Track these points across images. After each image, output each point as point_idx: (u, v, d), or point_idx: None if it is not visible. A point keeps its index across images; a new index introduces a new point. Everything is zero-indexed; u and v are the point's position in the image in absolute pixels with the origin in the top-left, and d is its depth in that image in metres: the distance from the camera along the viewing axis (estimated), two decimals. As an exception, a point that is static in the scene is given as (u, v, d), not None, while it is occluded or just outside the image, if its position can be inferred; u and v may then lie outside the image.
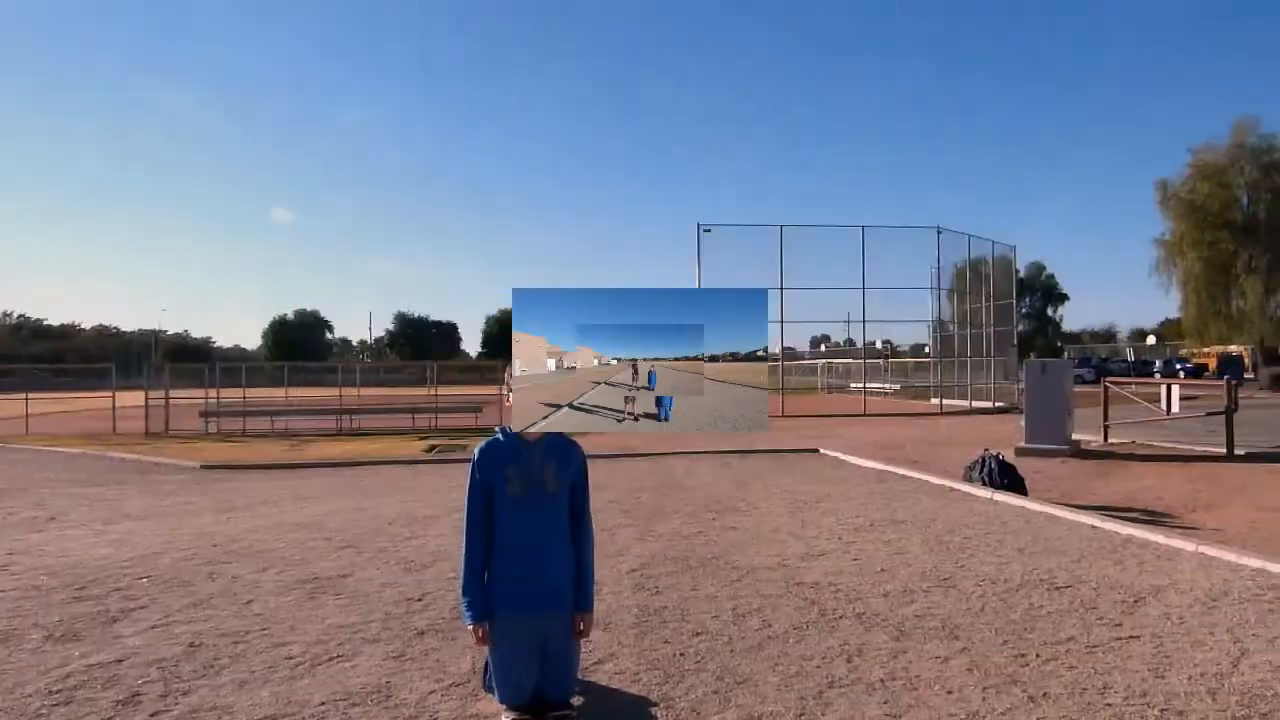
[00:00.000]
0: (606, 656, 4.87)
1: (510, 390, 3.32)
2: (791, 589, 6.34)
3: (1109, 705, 4.07)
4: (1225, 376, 18.31)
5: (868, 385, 34.72)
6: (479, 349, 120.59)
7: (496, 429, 3.48)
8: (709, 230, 28.94)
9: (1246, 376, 46.00)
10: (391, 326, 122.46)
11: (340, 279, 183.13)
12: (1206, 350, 55.80)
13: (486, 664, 3.42)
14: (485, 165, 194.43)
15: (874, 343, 48.51)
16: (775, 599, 6.07)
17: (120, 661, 4.84)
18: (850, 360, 50.58)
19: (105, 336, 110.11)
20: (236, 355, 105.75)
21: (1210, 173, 49.50)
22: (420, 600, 6.14)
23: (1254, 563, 6.80)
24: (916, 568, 6.93)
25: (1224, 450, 14.59)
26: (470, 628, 3.33)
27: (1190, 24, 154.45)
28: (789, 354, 50.04)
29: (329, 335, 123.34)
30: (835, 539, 8.16)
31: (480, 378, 41.87)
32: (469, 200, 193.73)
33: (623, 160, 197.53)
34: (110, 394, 25.54)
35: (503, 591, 3.29)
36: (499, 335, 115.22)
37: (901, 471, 12.86)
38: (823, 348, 72.38)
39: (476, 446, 3.39)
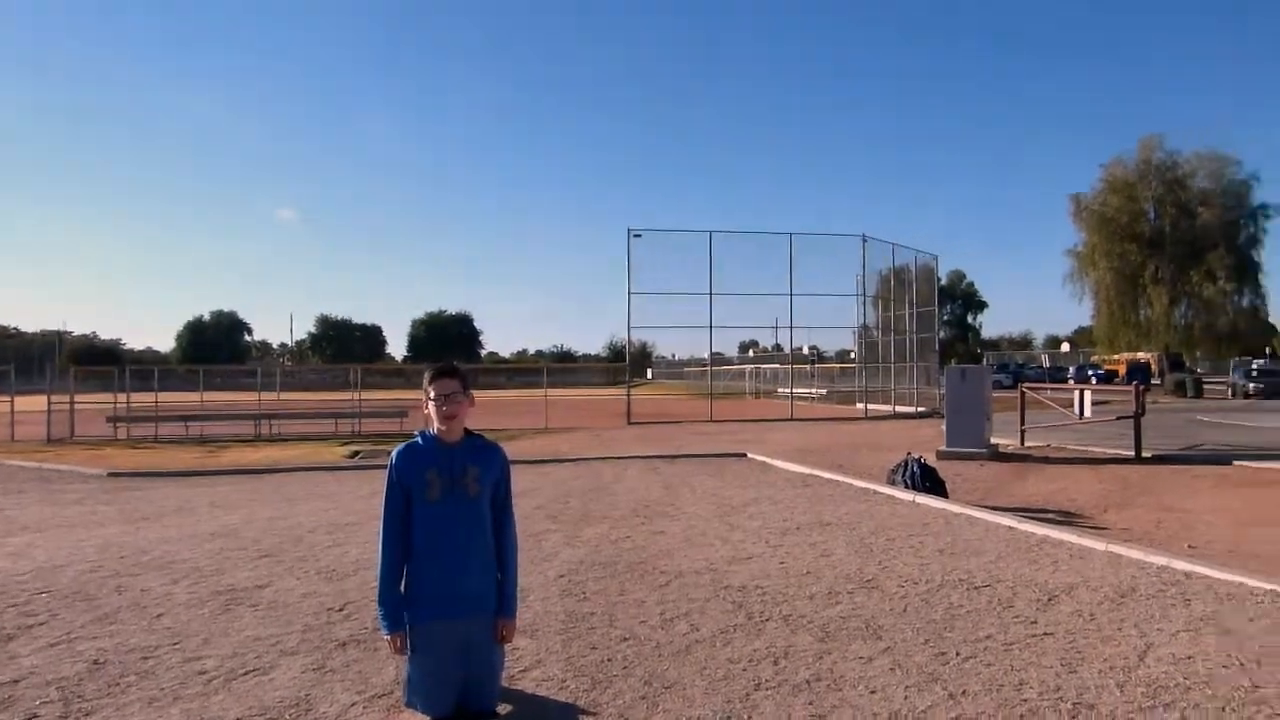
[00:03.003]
0: (533, 664, 4.80)
1: (430, 395, 3.22)
2: (719, 592, 6.34)
3: (1025, 700, 4.15)
4: (1134, 382, 18.98)
5: (795, 390, 35.06)
6: (405, 352, 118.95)
7: (416, 432, 3.39)
8: (639, 235, 28.98)
9: (1153, 382, 47.86)
10: (314, 329, 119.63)
11: (263, 280, 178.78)
12: (1116, 357, 58.00)
13: (407, 675, 3.32)
14: (413, 167, 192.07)
15: (801, 348, 49.18)
16: (703, 603, 6.06)
17: (16, 682, 4.59)
18: (778, 365, 51.14)
19: (4, 338, 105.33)
20: (149, 358, 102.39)
21: (1119, 187, 51.50)
22: (341, 610, 5.97)
23: (1159, 560, 7.04)
24: (841, 570, 7.00)
25: (1132, 453, 15.11)
26: (387, 637, 3.23)
27: (1107, 43, 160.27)
28: (718, 359, 50.45)
29: (248, 338, 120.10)
30: (762, 542, 8.20)
31: (406, 381, 41.26)
32: (395, 200, 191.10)
33: (554, 163, 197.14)
34: (9, 399, 24.41)
35: (422, 599, 3.20)
36: (426, 338, 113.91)
37: (827, 475, 13.01)
38: (751, 353, 72.95)
39: (394, 450, 3.29)
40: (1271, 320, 63.33)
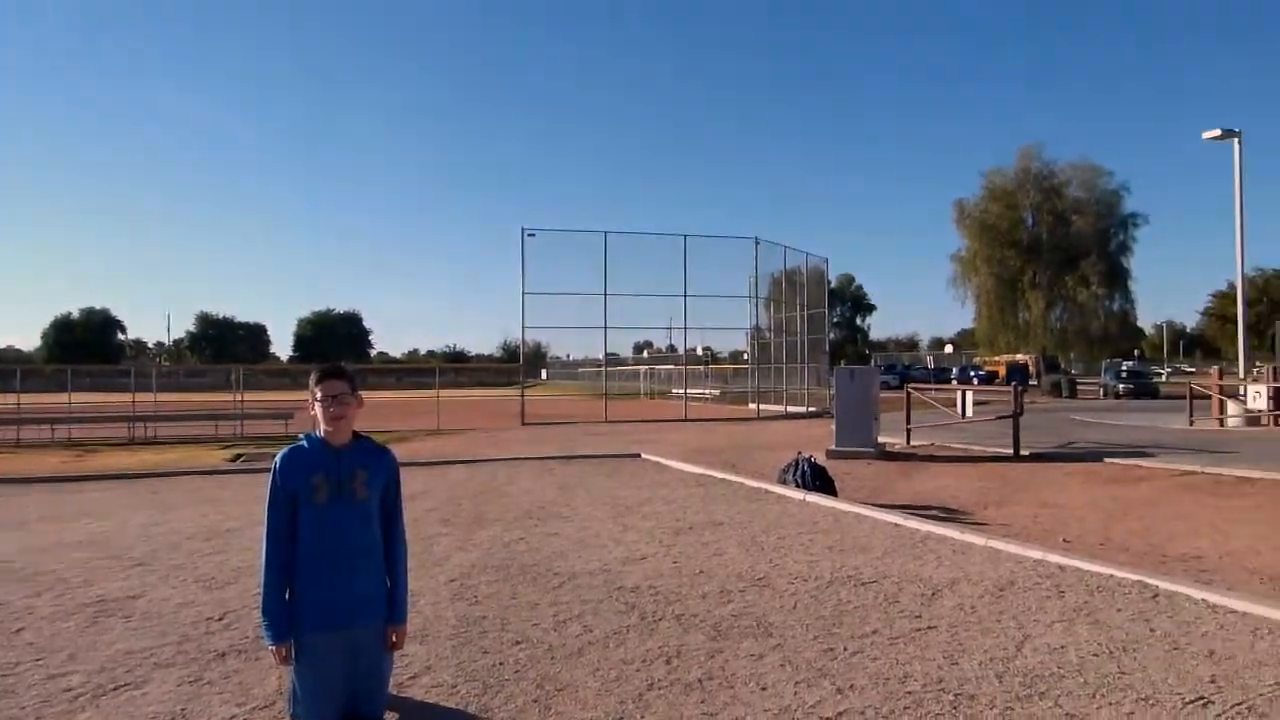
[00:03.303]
0: (423, 670, 4.71)
1: (316, 396, 3.12)
2: (612, 593, 6.34)
3: (909, 693, 4.27)
4: (1012, 383, 19.85)
5: (689, 390, 35.43)
6: (290, 352, 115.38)
7: (301, 435, 3.28)
8: (533, 235, 28.78)
9: (1031, 383, 50.11)
10: (193, 328, 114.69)
11: (138, 276, 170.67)
12: (997, 359, 60.63)
13: (292, 686, 3.20)
14: (301, 161, 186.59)
15: (695, 349, 49.78)
16: (596, 604, 6.05)
17: None
18: (672, 366, 51.55)
19: None
20: (10, 357, 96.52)
21: (1000, 195, 53.90)
22: (221, 620, 5.74)
23: (1035, 554, 7.36)
24: (733, 568, 7.10)
25: (1011, 451, 15.79)
26: (271, 648, 3.11)
27: (995, 52, 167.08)
28: (612, 359, 50.53)
29: (121, 336, 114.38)
30: (656, 542, 8.25)
31: (292, 382, 40.06)
32: (281, 197, 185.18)
33: (447, 159, 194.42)
34: None
35: (308, 607, 3.09)
36: (313, 338, 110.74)
37: (720, 475, 13.17)
38: (645, 353, 73.46)
39: (279, 453, 3.17)
40: (1140, 324, 67.21)
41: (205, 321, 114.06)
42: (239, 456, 17.77)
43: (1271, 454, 14.90)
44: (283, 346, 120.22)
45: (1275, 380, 21.97)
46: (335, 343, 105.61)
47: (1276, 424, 21.19)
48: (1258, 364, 27.48)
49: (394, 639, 3.28)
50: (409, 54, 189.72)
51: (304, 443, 3.19)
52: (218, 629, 5.53)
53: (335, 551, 3.10)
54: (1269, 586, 6.80)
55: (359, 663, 3.17)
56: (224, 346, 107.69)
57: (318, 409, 3.12)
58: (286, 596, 3.12)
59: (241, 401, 26.45)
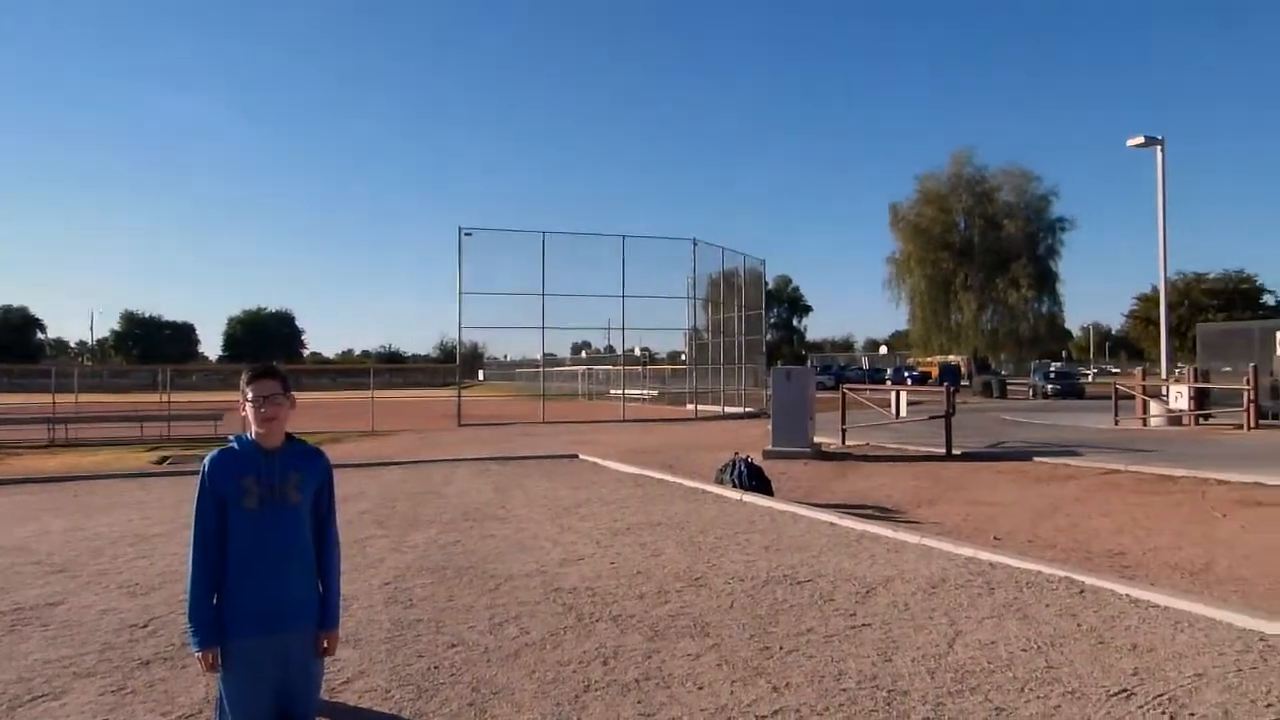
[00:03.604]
0: (356, 674, 4.64)
1: (248, 397, 3.05)
2: (549, 595, 6.32)
3: (844, 690, 4.34)
4: (945, 384, 20.26)
5: (627, 391, 35.44)
6: (220, 352, 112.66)
7: (231, 437, 3.20)
8: (470, 234, 28.50)
9: (963, 383, 51.22)
10: (118, 326, 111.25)
11: (55, 272, 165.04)
12: (930, 359, 61.84)
13: (219, 694, 3.12)
14: (233, 158, 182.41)
15: (633, 349, 49.79)
16: (533, 606, 6.03)
17: None
18: (610, 367, 51.55)
19: None
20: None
21: (933, 199, 55.08)
22: (145, 627, 5.59)
23: (966, 552, 7.53)
24: (671, 569, 7.12)
25: (944, 450, 16.11)
26: (198, 655, 3.03)
27: (929, 56, 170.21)
28: (550, 360, 50.32)
29: (41, 335, 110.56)
30: (593, 543, 8.24)
31: (222, 382, 39.23)
32: (209, 194, 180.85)
33: (382, 159, 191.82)
34: None
35: (238, 613, 3.02)
36: (244, 337, 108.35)
37: (658, 475, 13.21)
38: (584, 354, 73.29)
39: (208, 455, 3.10)
40: (1068, 326, 69.13)
41: (131, 320, 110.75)
42: (165, 459, 17.29)
43: (1192, 452, 15.44)
44: (212, 346, 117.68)
45: (1196, 381, 22.73)
46: (267, 342, 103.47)
47: (1197, 423, 21.94)
48: (1179, 365, 28.41)
49: (326, 644, 3.22)
50: (345, 48, 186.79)
51: (234, 445, 3.12)
52: (142, 636, 5.39)
53: (266, 556, 3.04)
54: (1189, 581, 7.03)
55: (289, 669, 3.11)
56: (151, 346, 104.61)
57: (249, 410, 3.06)
58: (214, 601, 3.05)
59: (169, 402, 25.78)
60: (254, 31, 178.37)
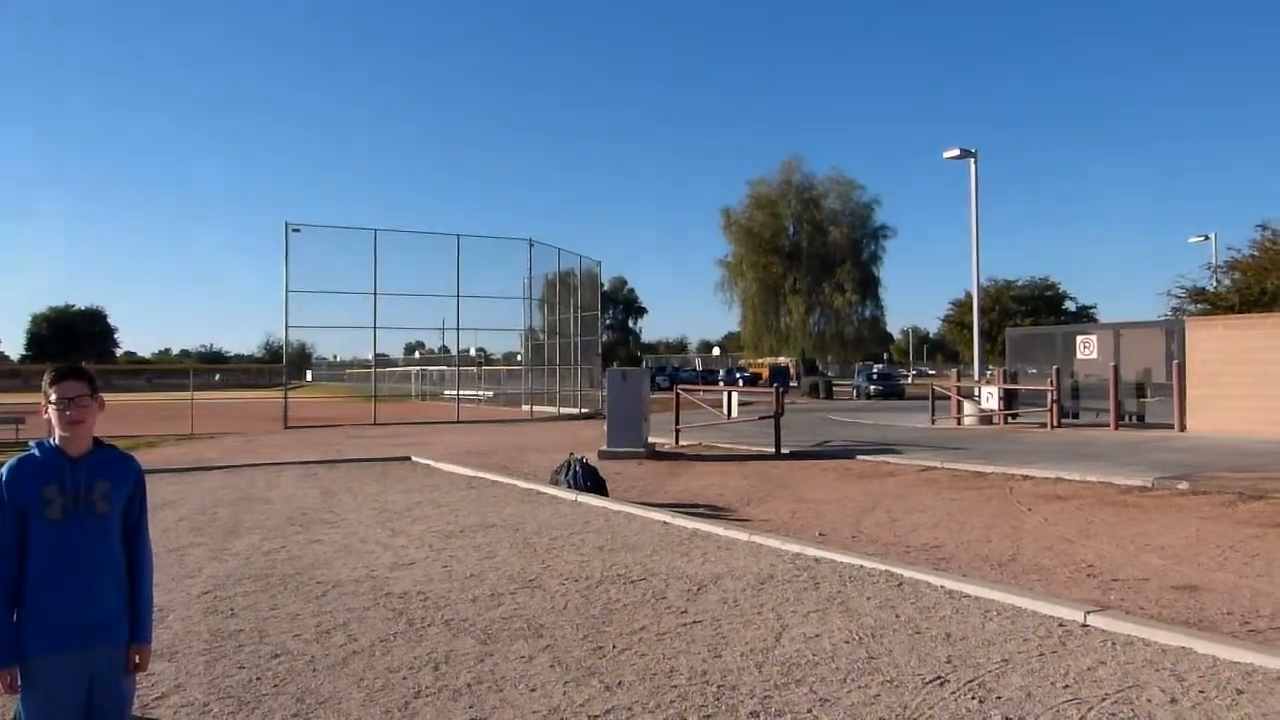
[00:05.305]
0: (171, 688, 4.43)
1: (50, 399, 2.87)
2: (379, 600, 6.20)
3: (675, 686, 4.46)
4: (775, 385, 21.03)
5: (461, 392, 34.98)
6: (23, 351, 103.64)
7: (31, 443, 3.01)
8: (298, 230, 27.40)
9: (792, 384, 53.16)
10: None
11: None
12: (761, 361, 63.90)
13: (17, 716, 2.93)
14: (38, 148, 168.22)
15: (468, 350, 49.11)
16: (361, 612, 5.90)
17: None
18: (445, 367, 50.67)
19: None
20: None
21: (764, 203, 56.90)
22: (-74, 648, 5.12)
23: (793, 548, 7.84)
24: (505, 571, 7.12)
25: (773, 450, 16.70)
26: (-6, 675, 2.83)
27: (758, 64, 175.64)
28: (382, 360, 49.01)
29: None
30: (426, 547, 8.13)
31: (24, 384, 36.32)
32: (10, 186, 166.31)
33: (204, 152, 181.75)
34: None
35: (40, 629, 2.84)
36: (49, 336, 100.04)
37: (492, 477, 13.13)
38: (417, 354, 71.69)
39: (6, 464, 2.90)
40: (889, 329, 72.89)
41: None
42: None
43: (1001, 450, 16.58)
44: (14, 345, 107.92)
45: (1005, 382, 24.36)
46: (75, 341, 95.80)
47: (1006, 422, 23.54)
48: (990, 367, 30.47)
49: (137, 660, 3.07)
50: (166, 37, 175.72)
51: (35, 451, 2.93)
52: (-77, 659, 4.94)
53: (71, 569, 2.87)
54: (998, 572, 7.54)
55: (95, 687, 2.95)
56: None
57: (52, 413, 2.88)
58: (14, 618, 2.85)
59: (-41, 405, 23.56)
60: (51, 29, 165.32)
